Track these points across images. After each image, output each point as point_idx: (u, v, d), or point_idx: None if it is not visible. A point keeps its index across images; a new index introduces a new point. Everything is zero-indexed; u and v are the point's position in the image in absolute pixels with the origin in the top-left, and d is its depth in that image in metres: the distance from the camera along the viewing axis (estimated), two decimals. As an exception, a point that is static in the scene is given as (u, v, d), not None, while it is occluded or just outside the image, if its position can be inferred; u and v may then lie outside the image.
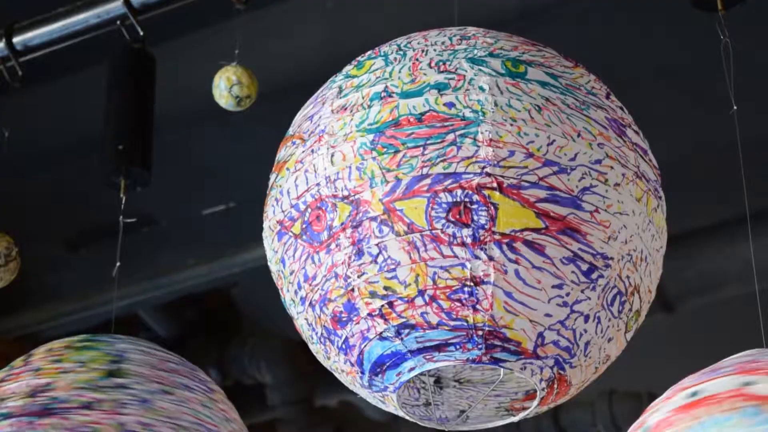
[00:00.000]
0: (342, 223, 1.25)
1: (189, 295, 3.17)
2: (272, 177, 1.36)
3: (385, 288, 1.24)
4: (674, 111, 2.61)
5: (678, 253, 2.77)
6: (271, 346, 3.30)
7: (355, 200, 1.25)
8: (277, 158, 1.37)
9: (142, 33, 1.95)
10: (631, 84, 2.44)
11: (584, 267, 1.25)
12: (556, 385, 1.30)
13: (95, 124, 1.97)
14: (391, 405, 1.33)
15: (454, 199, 1.22)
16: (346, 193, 1.25)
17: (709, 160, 2.68)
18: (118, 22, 1.97)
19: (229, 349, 3.31)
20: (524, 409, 1.37)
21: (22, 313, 3.10)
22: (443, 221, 1.22)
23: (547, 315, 1.25)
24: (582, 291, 1.25)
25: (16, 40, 2.04)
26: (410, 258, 1.23)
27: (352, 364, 1.30)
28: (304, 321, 1.33)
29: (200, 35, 2.49)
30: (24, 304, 3.09)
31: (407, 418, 1.36)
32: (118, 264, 1.75)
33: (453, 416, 1.40)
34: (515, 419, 1.37)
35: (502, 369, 1.29)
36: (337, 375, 1.36)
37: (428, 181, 1.23)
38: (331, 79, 1.37)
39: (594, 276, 1.26)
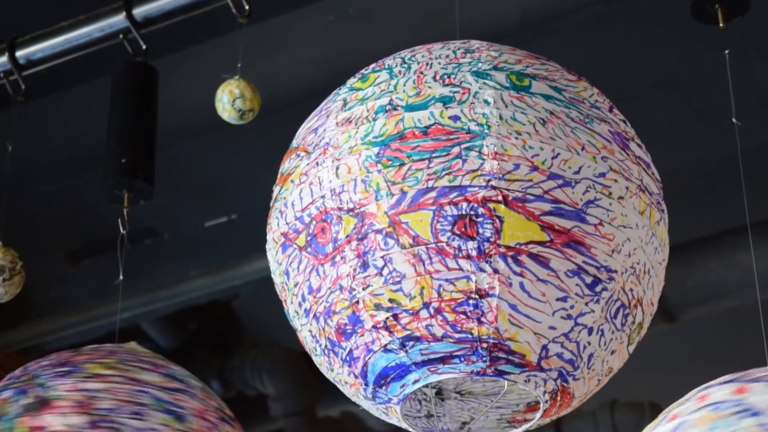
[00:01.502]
0: (347, 236, 1.25)
1: (191, 307, 3.18)
2: (276, 189, 1.36)
3: (390, 300, 1.24)
4: (675, 122, 2.61)
5: (679, 264, 2.77)
6: (273, 357, 3.29)
7: (361, 213, 1.25)
8: (280, 170, 1.37)
9: (144, 46, 1.95)
10: (632, 96, 2.44)
11: (588, 280, 1.25)
12: (559, 398, 1.30)
13: (98, 137, 1.97)
14: (394, 417, 1.33)
15: (460, 212, 1.23)
16: (351, 205, 1.25)
17: (709, 170, 2.69)
18: (121, 36, 1.97)
19: (231, 360, 3.31)
20: (526, 420, 1.37)
21: (26, 326, 3.10)
22: (448, 234, 1.22)
23: (552, 327, 1.25)
24: (586, 304, 1.26)
25: (19, 53, 2.04)
26: (415, 270, 1.23)
27: (356, 376, 1.30)
28: (308, 333, 1.33)
29: (203, 48, 2.49)
30: (27, 317, 3.09)
31: (410, 429, 1.36)
32: (121, 278, 1.75)
33: (455, 428, 1.40)
34: (517, 431, 1.37)
35: (506, 381, 1.29)
36: (340, 387, 1.36)
37: (433, 194, 1.23)
38: (335, 91, 1.37)
39: (598, 289, 1.26)
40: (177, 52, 2.46)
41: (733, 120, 1.49)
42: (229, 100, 1.88)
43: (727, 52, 1.52)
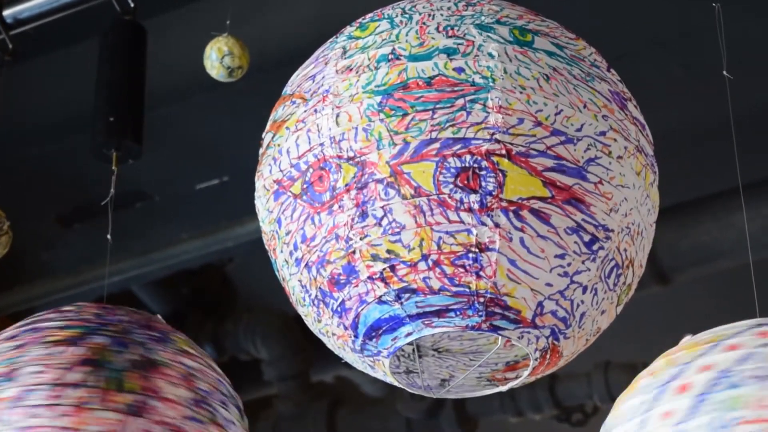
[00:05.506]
0: (346, 185, 1.24)
1: (183, 271, 3.16)
2: (268, 136, 1.34)
3: (388, 251, 1.23)
4: (667, 81, 2.60)
5: (673, 226, 2.77)
6: (266, 321, 3.29)
7: (361, 162, 1.23)
8: (273, 117, 1.34)
9: (133, 5, 1.93)
10: (624, 55, 2.43)
11: (586, 238, 1.25)
12: (548, 356, 1.29)
13: (87, 97, 1.96)
14: (380, 370, 1.32)
15: (463, 165, 1.22)
16: (351, 154, 1.24)
17: (702, 130, 2.68)
18: (109, -6, 1.95)
19: (224, 324, 3.30)
20: (506, 380, 1.37)
21: (16, 290, 3.09)
22: (451, 186, 1.21)
23: (548, 284, 1.25)
24: (583, 262, 1.25)
25: (6, 13, 2.03)
26: (416, 222, 1.22)
27: (346, 328, 1.29)
28: (296, 283, 1.31)
29: (192, 9, 2.47)
30: (17, 281, 3.07)
31: (396, 383, 1.35)
32: (109, 237, 1.73)
33: (435, 385, 1.40)
34: (504, 389, 1.37)
35: (499, 337, 1.29)
36: (325, 339, 1.34)
37: (437, 145, 1.22)
38: (331, 39, 1.35)
39: (595, 247, 1.26)
40: (166, 13, 2.44)
41: (724, 72, 1.48)
42: (218, 57, 1.86)
43: (718, 4, 1.51)
